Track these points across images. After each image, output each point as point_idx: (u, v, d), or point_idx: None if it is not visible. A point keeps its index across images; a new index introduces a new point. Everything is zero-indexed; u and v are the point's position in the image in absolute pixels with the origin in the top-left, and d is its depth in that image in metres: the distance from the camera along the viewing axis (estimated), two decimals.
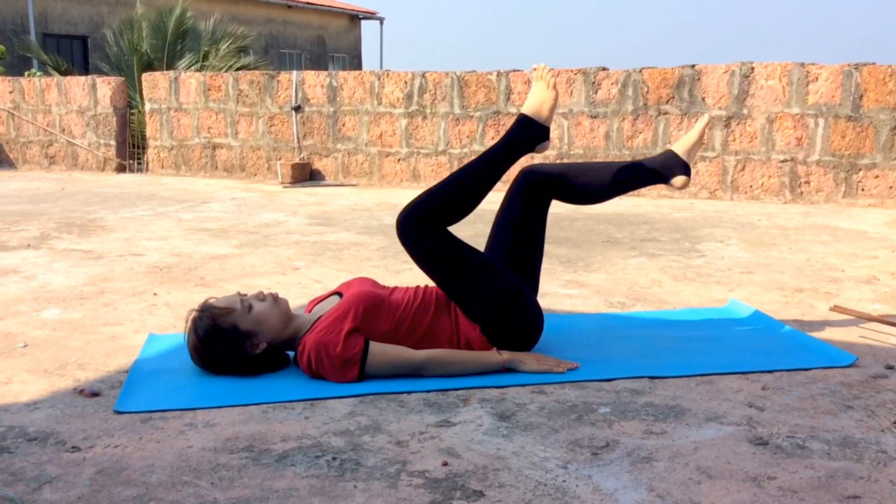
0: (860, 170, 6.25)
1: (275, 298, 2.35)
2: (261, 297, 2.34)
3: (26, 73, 11.44)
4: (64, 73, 10.86)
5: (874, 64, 6.13)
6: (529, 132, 2.48)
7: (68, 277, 3.69)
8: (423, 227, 2.36)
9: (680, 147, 2.71)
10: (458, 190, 2.41)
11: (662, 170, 2.68)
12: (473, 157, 2.66)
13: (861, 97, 6.15)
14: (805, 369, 2.36)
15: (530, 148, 2.52)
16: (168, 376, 2.33)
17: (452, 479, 1.68)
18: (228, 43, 12.05)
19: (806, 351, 2.53)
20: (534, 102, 2.50)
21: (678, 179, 2.67)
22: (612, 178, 2.63)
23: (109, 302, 3.25)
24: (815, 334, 2.74)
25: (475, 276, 2.38)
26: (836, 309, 2.93)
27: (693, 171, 6.67)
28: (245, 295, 2.35)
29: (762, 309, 3.05)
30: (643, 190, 6.87)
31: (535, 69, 2.57)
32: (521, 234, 2.56)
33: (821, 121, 6.30)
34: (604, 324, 2.93)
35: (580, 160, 7.10)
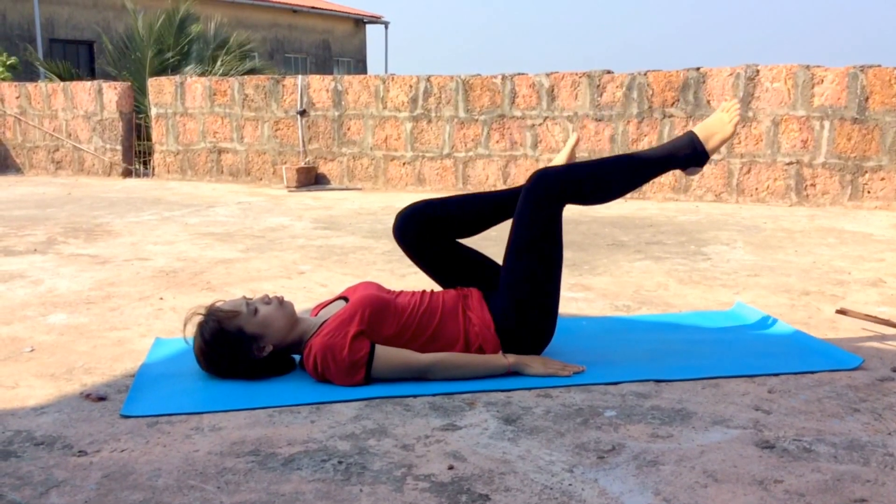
0: (866, 172, 6.23)
1: (280, 302, 2.35)
2: (266, 300, 2.34)
3: (43, 73, 11.49)
4: (70, 79, 10.89)
5: (880, 66, 6.12)
6: (691, 152, 2.48)
7: (75, 282, 3.70)
8: (561, 191, 2.37)
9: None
10: (604, 174, 2.43)
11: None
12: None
13: (867, 99, 6.14)
14: (811, 372, 2.36)
15: (684, 167, 2.52)
16: (174, 380, 2.33)
17: (458, 483, 1.68)
18: (236, 50, 12.07)
19: (812, 354, 2.53)
20: (710, 128, 2.50)
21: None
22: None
23: (116, 306, 3.26)
24: (822, 337, 2.73)
25: (549, 266, 2.39)
26: (842, 312, 2.93)
27: (698, 173, 6.67)
28: (251, 299, 2.35)
29: (768, 312, 3.05)
30: (649, 193, 6.87)
31: (727, 100, 2.59)
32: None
33: (826, 123, 6.29)
34: (609, 327, 2.92)
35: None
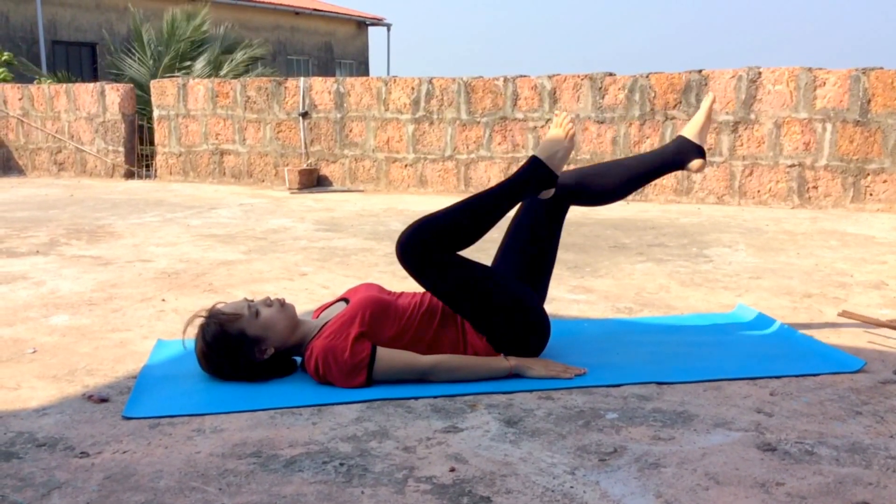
0: (868, 174, 6.23)
1: (282, 304, 2.35)
2: (268, 302, 2.34)
3: (36, 80, 11.50)
4: (71, 82, 10.91)
5: (882, 68, 6.12)
6: (537, 176, 2.45)
7: (77, 283, 3.70)
8: (424, 252, 2.32)
9: (690, 131, 2.73)
10: (460, 221, 2.37)
11: (677, 157, 2.69)
12: (476, 191, 2.63)
13: (869, 102, 6.14)
14: (813, 375, 2.36)
15: (535, 192, 2.48)
16: (176, 382, 2.33)
17: (460, 485, 1.68)
18: (242, 54, 12.08)
19: (814, 356, 2.52)
20: (548, 148, 2.47)
21: (694, 164, 2.70)
22: (628, 176, 2.65)
23: (118, 308, 3.26)
24: (824, 339, 2.73)
25: (478, 290, 2.36)
26: (844, 314, 2.92)
27: (700, 176, 6.68)
28: (252, 301, 2.35)
29: (770, 314, 3.04)
30: (651, 195, 6.87)
31: (556, 114, 2.57)
32: (538, 242, 2.55)
33: (828, 125, 6.29)
34: (611, 329, 2.92)
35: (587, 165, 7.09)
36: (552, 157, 2.46)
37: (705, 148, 2.74)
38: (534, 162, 2.45)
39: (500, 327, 2.37)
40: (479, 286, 2.37)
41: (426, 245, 2.32)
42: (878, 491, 1.65)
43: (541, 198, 2.54)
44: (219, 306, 2.35)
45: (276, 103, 8.23)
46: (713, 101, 2.75)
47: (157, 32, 11.61)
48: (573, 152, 7.03)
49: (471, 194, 2.55)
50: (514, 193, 2.46)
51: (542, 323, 2.44)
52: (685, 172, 6.74)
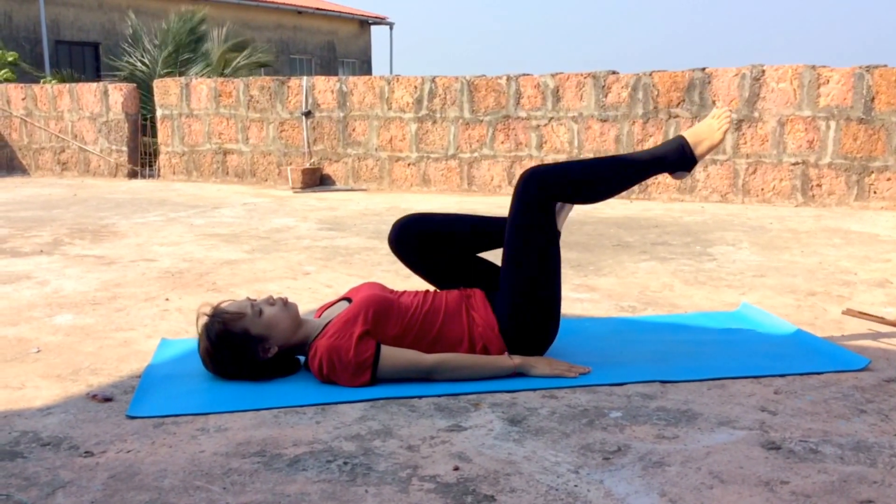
0: (872, 172, 6.22)
1: (284, 303, 2.35)
2: (271, 301, 2.35)
3: (41, 81, 11.52)
4: (74, 81, 10.93)
5: (886, 66, 6.11)
6: (679, 156, 2.47)
7: (81, 283, 3.71)
8: (553, 185, 2.36)
9: (694, 139, 2.55)
10: (592, 175, 2.43)
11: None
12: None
13: (873, 99, 6.12)
14: (818, 373, 2.35)
15: (671, 170, 2.51)
16: (180, 381, 2.33)
17: (464, 484, 1.68)
18: (245, 58, 12.10)
19: (818, 355, 2.52)
20: (700, 133, 2.49)
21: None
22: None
23: (122, 307, 3.26)
24: (828, 338, 2.73)
25: (543, 262, 2.38)
26: (848, 312, 2.92)
27: (704, 174, 6.67)
28: (255, 300, 2.36)
29: (774, 312, 3.04)
30: (654, 193, 6.87)
31: (718, 106, 2.57)
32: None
33: (832, 123, 6.28)
34: (615, 328, 2.92)
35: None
36: (699, 144, 2.49)
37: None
38: (680, 143, 2.48)
39: (528, 312, 2.38)
40: (548, 260, 2.39)
41: (559, 180, 2.37)
42: (883, 489, 1.64)
43: (674, 178, 2.58)
44: (222, 305, 2.35)
45: (278, 102, 8.23)
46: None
47: (160, 32, 11.62)
48: (577, 150, 7.03)
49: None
50: (653, 165, 2.50)
51: (556, 323, 2.46)
52: None
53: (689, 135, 2.51)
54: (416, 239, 2.55)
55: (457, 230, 2.60)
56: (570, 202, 2.47)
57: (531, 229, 2.39)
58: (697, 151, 2.50)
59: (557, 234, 2.44)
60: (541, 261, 2.39)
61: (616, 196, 2.55)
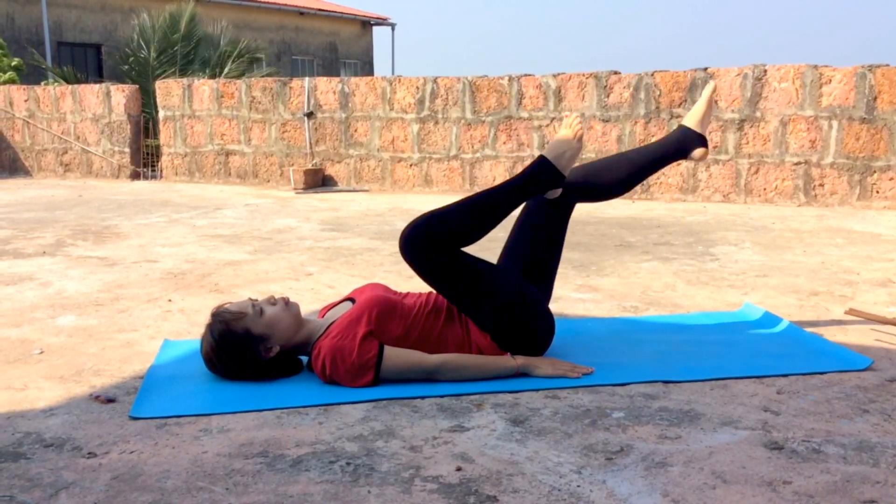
0: (875, 172, 6.21)
1: (286, 302, 2.36)
2: (272, 301, 2.35)
3: (43, 83, 11.54)
4: (77, 83, 10.95)
5: (888, 66, 6.10)
6: (545, 176, 2.45)
7: (84, 284, 3.71)
8: (427, 246, 2.32)
9: (691, 120, 2.72)
10: (465, 217, 2.36)
11: (680, 146, 2.70)
12: (481, 190, 2.61)
13: (875, 99, 6.12)
14: (820, 373, 2.35)
15: (542, 192, 2.49)
16: (183, 382, 2.34)
17: (466, 485, 1.68)
18: (241, 55, 12.13)
19: (821, 355, 2.52)
20: (556, 148, 2.46)
21: (697, 152, 2.69)
22: (633, 169, 2.65)
23: (124, 308, 3.27)
24: (831, 338, 2.73)
25: (479, 287, 2.36)
26: (851, 312, 2.92)
27: (706, 174, 6.67)
28: (256, 300, 2.36)
29: (777, 312, 3.04)
30: (656, 193, 6.86)
31: (566, 116, 2.58)
32: (543, 241, 2.55)
33: (834, 123, 6.27)
34: (617, 328, 2.92)
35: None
36: (560, 157, 2.45)
37: (707, 137, 2.74)
38: (541, 162, 2.45)
39: (503, 325, 2.37)
40: (482, 283, 2.37)
41: (430, 240, 2.32)
42: (886, 489, 1.64)
43: (547, 197, 2.55)
44: (224, 306, 2.35)
45: (280, 103, 8.24)
46: (714, 90, 2.75)
47: (153, 32, 11.64)
48: (583, 150, 7.03)
49: (475, 192, 2.54)
50: (521, 192, 2.47)
51: (545, 321, 2.44)
52: (690, 170, 6.74)
53: (549, 151, 2.46)
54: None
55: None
56: (447, 249, 2.37)
57: (447, 281, 2.36)
58: (562, 165, 2.45)
59: (471, 260, 2.39)
60: (478, 292, 2.36)
61: (492, 230, 2.45)
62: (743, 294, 3.43)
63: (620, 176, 2.66)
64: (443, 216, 2.36)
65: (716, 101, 6.59)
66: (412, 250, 2.33)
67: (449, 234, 2.34)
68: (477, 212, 2.39)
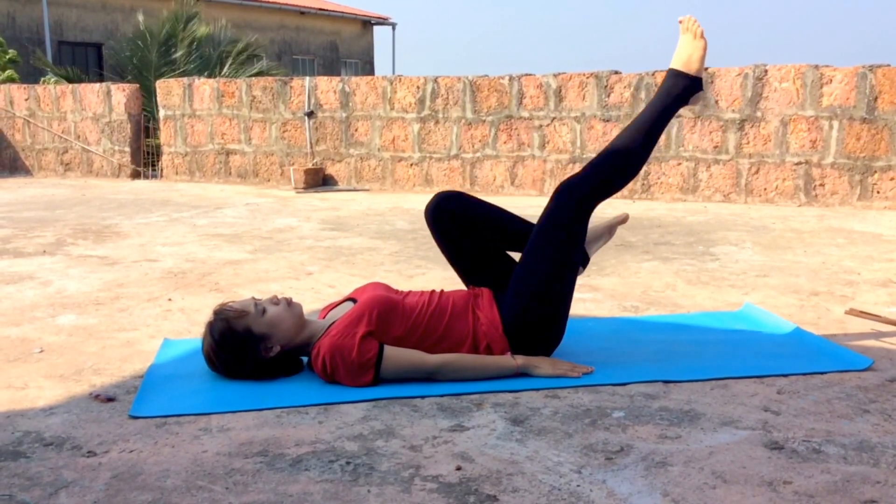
0: (875, 172, 6.21)
1: (288, 302, 2.36)
2: (274, 301, 2.35)
3: (42, 80, 11.54)
4: (78, 82, 10.96)
5: (889, 66, 6.10)
6: (682, 84, 2.46)
7: (84, 283, 3.71)
8: (592, 191, 2.40)
9: (678, 62, 2.53)
10: (623, 157, 2.44)
11: (680, 96, 2.55)
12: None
13: (876, 99, 6.11)
14: (821, 373, 2.35)
15: (684, 101, 2.49)
16: (183, 381, 2.34)
17: (466, 484, 1.68)
18: (244, 53, 12.15)
19: (821, 354, 2.52)
20: (682, 55, 2.47)
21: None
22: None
23: (125, 307, 3.27)
24: (831, 338, 2.72)
25: (565, 268, 2.40)
26: (851, 312, 2.91)
27: (707, 174, 6.67)
28: (259, 299, 2.36)
29: (777, 312, 3.04)
30: (657, 193, 6.86)
31: (681, 21, 2.54)
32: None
33: (835, 123, 6.27)
34: (618, 328, 2.92)
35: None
36: (689, 63, 2.47)
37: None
38: (672, 73, 2.48)
39: (543, 322, 2.38)
40: (568, 268, 2.41)
41: (592, 190, 2.40)
42: (887, 489, 1.64)
43: (692, 104, 2.57)
44: (227, 305, 2.36)
45: (281, 103, 8.24)
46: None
47: (156, 31, 11.64)
48: (580, 150, 7.03)
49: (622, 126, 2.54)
50: (667, 110, 2.49)
51: (566, 318, 2.47)
52: (691, 170, 6.74)
53: (676, 62, 2.49)
54: (453, 214, 2.54)
55: (493, 217, 2.58)
56: (617, 186, 2.47)
57: (559, 232, 2.39)
58: (694, 70, 2.48)
59: (584, 253, 2.44)
60: (560, 265, 2.39)
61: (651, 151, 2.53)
62: (743, 294, 3.43)
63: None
64: (606, 160, 2.45)
65: (717, 102, 6.59)
66: (574, 193, 2.40)
67: (614, 176, 2.43)
68: (633, 147, 2.45)
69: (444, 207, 2.54)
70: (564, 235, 2.39)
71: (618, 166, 2.47)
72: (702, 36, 2.48)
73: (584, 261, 2.60)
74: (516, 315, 2.38)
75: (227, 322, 2.27)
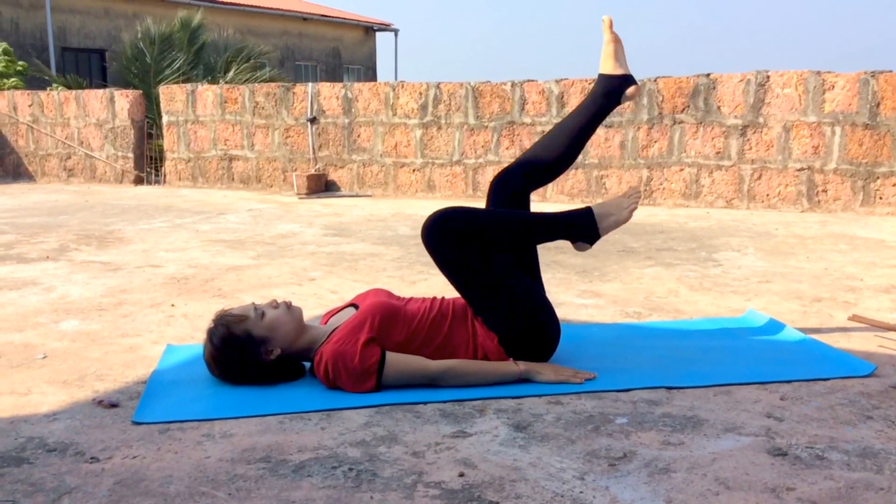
0: (878, 178, 6.21)
1: (288, 306, 2.36)
2: (274, 304, 2.36)
3: (48, 88, 11.57)
4: (79, 89, 11.00)
5: (891, 72, 6.10)
6: (584, 229, 2.47)
7: (87, 289, 3.72)
8: (447, 234, 2.36)
9: (606, 66, 2.61)
10: (493, 227, 2.41)
11: (609, 98, 2.62)
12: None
13: (878, 105, 6.11)
14: (824, 379, 2.34)
15: (573, 239, 2.50)
16: (186, 387, 2.34)
17: (469, 490, 1.68)
18: (245, 60, 12.19)
19: (824, 361, 2.51)
20: (608, 209, 2.49)
21: (629, 91, 2.61)
22: (571, 140, 2.61)
23: (128, 313, 3.27)
24: (834, 344, 2.72)
25: (496, 288, 2.38)
26: (854, 318, 2.91)
27: (709, 180, 6.67)
28: (260, 305, 2.37)
29: (780, 318, 3.03)
30: (659, 199, 6.86)
31: (632, 187, 2.58)
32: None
33: (837, 129, 6.27)
34: (620, 334, 2.92)
35: (595, 169, 7.09)
36: (605, 217, 2.48)
37: (631, 73, 2.60)
38: (587, 215, 2.48)
39: (516, 329, 2.37)
40: (499, 284, 2.38)
41: (454, 231, 2.36)
42: (890, 496, 1.64)
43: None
44: (227, 310, 2.36)
45: (284, 109, 8.25)
46: (609, 23, 2.60)
47: (162, 36, 11.68)
48: (582, 156, 7.03)
49: (505, 209, 2.55)
50: (554, 231, 2.49)
51: (554, 326, 2.45)
52: (693, 176, 6.74)
53: (598, 208, 2.51)
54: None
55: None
56: (469, 246, 2.39)
57: (463, 276, 2.39)
58: (602, 226, 2.48)
59: (491, 262, 2.40)
60: (493, 291, 2.38)
61: (517, 250, 2.50)
62: (746, 300, 3.43)
63: (563, 149, 2.62)
64: (473, 214, 2.41)
65: (719, 108, 6.59)
66: (435, 236, 2.37)
67: (472, 236, 2.37)
68: (506, 229, 2.43)
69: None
70: (472, 265, 2.38)
71: (489, 232, 2.42)
72: (631, 212, 2.49)
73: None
74: (503, 328, 2.38)
75: (227, 327, 2.28)
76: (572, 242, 2.53)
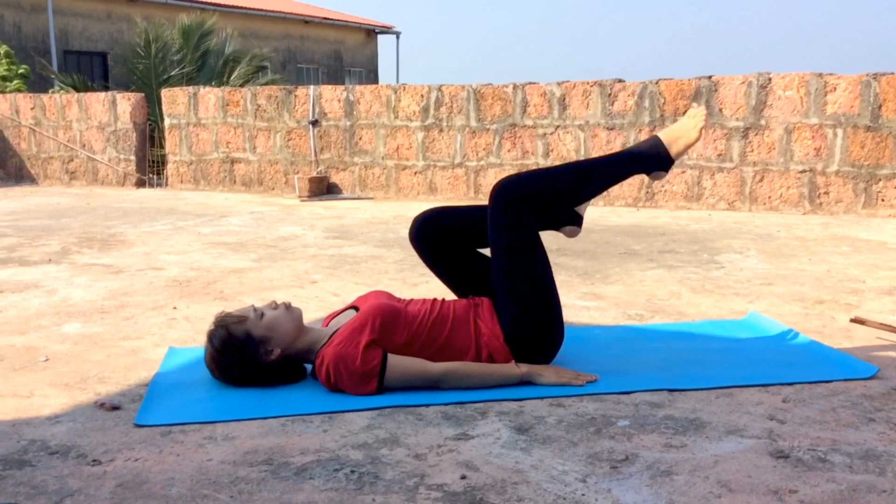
0: (880, 180, 6.20)
1: (287, 307, 2.37)
2: (273, 305, 2.36)
3: (50, 91, 11.59)
4: (84, 91, 11.01)
5: (893, 74, 6.10)
6: (655, 156, 2.46)
7: (89, 292, 3.72)
8: (525, 197, 2.36)
9: (667, 135, 2.54)
10: (568, 179, 2.42)
11: (645, 163, 2.56)
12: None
13: (880, 107, 6.11)
14: (826, 381, 2.34)
15: (648, 171, 2.50)
16: (188, 390, 2.34)
17: (471, 493, 1.68)
18: (247, 62, 12.22)
19: (827, 363, 2.51)
20: (676, 133, 2.48)
21: (656, 175, 2.56)
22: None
23: (130, 316, 3.27)
24: (836, 346, 2.72)
25: (535, 274, 2.39)
26: (856, 320, 2.91)
27: (711, 182, 6.67)
28: (259, 307, 2.37)
29: (782, 321, 3.03)
30: (661, 201, 6.86)
31: (693, 106, 2.55)
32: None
33: (839, 131, 6.27)
34: (622, 336, 2.91)
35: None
36: (673, 143, 2.48)
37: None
38: (655, 142, 2.47)
39: (531, 325, 2.38)
40: (538, 273, 2.39)
41: (525, 197, 2.36)
42: (893, 499, 1.64)
43: (651, 179, 2.58)
44: (226, 313, 2.36)
45: (286, 111, 8.26)
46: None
47: (167, 41, 11.70)
48: (582, 152, 7.03)
49: (573, 161, 2.55)
50: (628, 166, 2.49)
51: (561, 329, 2.45)
52: (695, 178, 6.74)
53: (665, 134, 2.50)
54: (437, 233, 2.56)
55: (477, 223, 2.56)
56: (548, 210, 2.43)
57: (514, 240, 2.39)
58: (673, 151, 2.49)
59: (540, 247, 2.41)
60: (528, 273, 2.39)
61: (595, 198, 2.53)
62: (748, 302, 3.43)
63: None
64: (544, 174, 2.42)
65: (721, 110, 6.59)
66: (507, 195, 2.36)
67: (551, 192, 2.38)
68: (583, 177, 2.43)
69: (423, 233, 2.56)
70: (523, 245, 2.38)
71: (561, 188, 2.43)
72: (700, 131, 2.49)
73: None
74: (512, 326, 2.38)
75: (227, 328, 2.28)
76: (647, 174, 2.51)
